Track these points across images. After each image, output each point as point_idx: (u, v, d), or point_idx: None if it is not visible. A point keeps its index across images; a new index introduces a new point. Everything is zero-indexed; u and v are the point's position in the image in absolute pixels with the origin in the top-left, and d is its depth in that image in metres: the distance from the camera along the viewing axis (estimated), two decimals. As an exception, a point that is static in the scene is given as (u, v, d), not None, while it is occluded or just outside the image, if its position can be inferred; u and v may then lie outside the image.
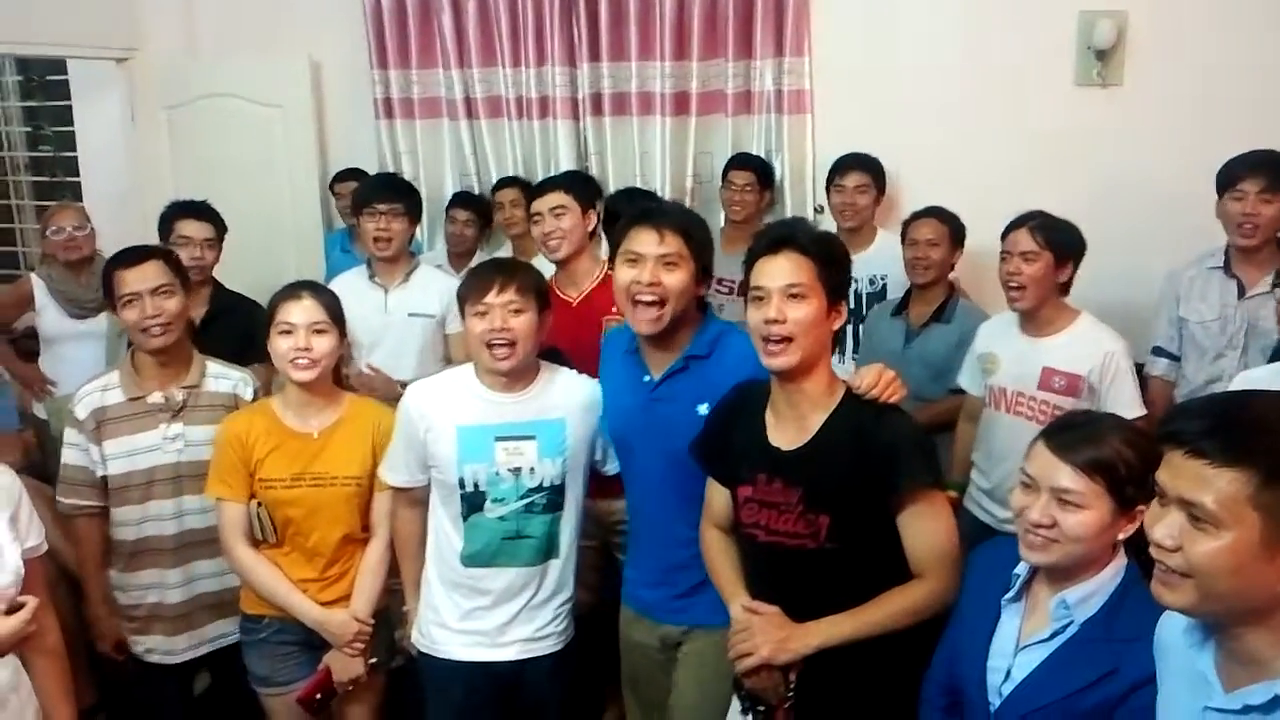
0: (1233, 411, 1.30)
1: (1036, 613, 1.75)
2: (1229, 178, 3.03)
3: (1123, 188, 3.76)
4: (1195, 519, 1.24)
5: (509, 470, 2.29)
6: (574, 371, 2.44)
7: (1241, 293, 3.03)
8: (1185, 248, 3.23)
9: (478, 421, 2.30)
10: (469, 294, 2.29)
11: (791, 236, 1.98)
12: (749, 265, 2.00)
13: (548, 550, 2.36)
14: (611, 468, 2.44)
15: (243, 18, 4.72)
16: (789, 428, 2.00)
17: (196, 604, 2.65)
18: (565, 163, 4.34)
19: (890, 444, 1.93)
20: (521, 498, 2.30)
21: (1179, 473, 1.26)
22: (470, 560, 2.33)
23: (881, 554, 1.94)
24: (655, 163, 4.30)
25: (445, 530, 2.36)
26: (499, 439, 2.29)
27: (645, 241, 2.21)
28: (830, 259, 1.97)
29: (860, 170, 3.80)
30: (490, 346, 2.24)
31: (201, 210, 3.40)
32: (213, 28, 4.85)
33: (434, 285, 3.39)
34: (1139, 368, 3.23)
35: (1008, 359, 2.96)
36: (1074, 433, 1.69)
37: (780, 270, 1.94)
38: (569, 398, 2.36)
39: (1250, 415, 1.28)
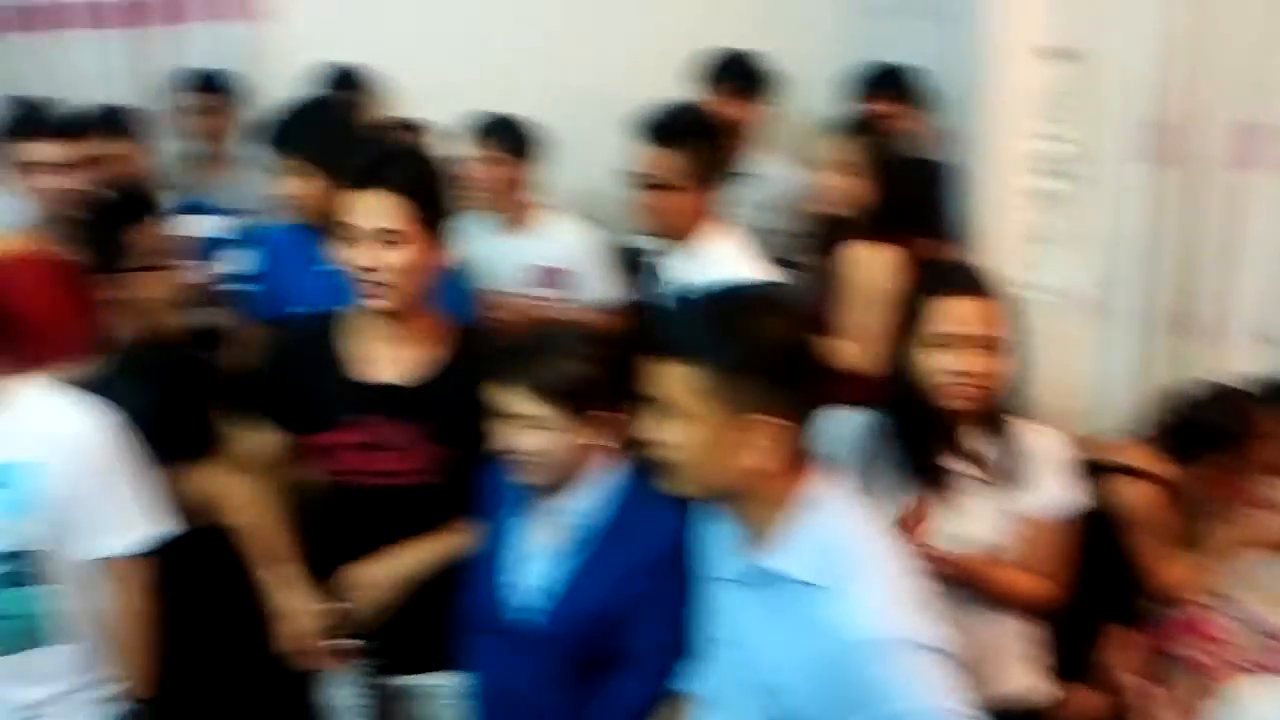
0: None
1: (545, 524, 1.77)
2: None
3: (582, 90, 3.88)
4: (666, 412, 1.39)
5: None
6: (72, 393, 1.84)
7: None
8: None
9: None
10: None
11: (381, 173, 1.80)
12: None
13: (27, 636, 1.82)
14: (105, 547, 1.83)
15: None
16: (393, 363, 1.91)
17: None
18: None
19: None
20: None
21: (655, 376, 1.40)
22: None
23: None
24: (94, 81, 3.79)
25: None
26: None
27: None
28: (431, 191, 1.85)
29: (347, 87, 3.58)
30: None
31: None
32: None
33: None
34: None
35: (496, 263, 3.02)
36: (525, 358, 1.68)
37: (370, 211, 1.79)
38: (51, 432, 1.78)
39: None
